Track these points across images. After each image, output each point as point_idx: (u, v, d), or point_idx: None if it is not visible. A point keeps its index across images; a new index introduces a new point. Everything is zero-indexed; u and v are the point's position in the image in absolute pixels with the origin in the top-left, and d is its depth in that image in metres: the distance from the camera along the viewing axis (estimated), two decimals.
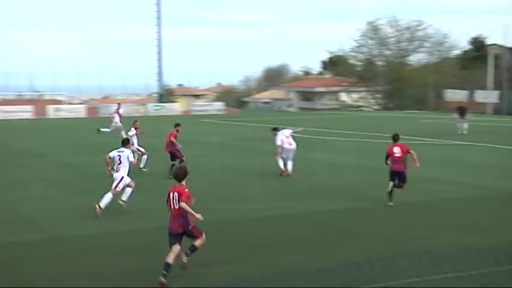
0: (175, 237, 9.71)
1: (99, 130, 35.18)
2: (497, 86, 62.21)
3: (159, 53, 66.97)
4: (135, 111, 60.93)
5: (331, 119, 52.67)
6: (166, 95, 72.08)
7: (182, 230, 9.69)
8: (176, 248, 9.68)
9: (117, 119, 34.81)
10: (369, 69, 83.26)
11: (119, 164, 14.86)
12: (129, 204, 14.86)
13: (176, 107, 65.96)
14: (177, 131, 20.63)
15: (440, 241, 11.82)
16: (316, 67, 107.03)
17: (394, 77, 79.65)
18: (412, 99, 74.62)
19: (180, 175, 9.92)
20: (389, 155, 16.09)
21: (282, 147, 20.47)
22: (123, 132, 31.66)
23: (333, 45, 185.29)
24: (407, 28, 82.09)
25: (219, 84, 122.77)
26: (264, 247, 11.60)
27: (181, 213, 9.63)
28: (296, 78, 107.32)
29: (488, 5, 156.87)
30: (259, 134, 34.56)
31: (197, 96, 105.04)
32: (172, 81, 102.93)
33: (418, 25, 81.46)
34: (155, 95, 71.79)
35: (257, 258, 10.79)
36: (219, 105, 68.89)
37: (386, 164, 16.10)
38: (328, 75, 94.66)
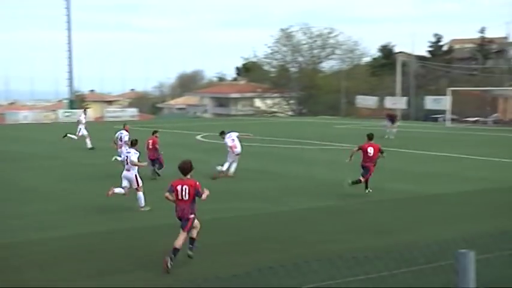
0: (180, 220, 10.62)
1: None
2: (405, 92, 64.53)
3: (70, 57, 65.28)
4: (45, 118, 59.11)
5: (246, 124, 52.90)
6: (77, 101, 70.31)
7: (186, 216, 10.52)
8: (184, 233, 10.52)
9: (82, 124, 33.13)
10: (283, 75, 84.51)
11: (127, 164, 15.95)
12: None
13: (88, 113, 64.33)
14: (156, 137, 21.78)
15: (352, 244, 12.07)
16: (230, 73, 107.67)
17: (308, 84, 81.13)
18: (325, 105, 76.24)
19: (186, 169, 10.68)
20: (363, 151, 17.71)
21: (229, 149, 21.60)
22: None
23: (247, 51, 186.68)
24: (319, 35, 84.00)
25: (133, 90, 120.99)
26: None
27: (190, 203, 10.55)
28: (211, 84, 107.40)
29: (396, 14, 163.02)
30: (172, 140, 34.23)
31: (109, 102, 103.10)
32: (83, 86, 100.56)
33: (330, 32, 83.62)
34: (66, 101, 69.88)
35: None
36: (132, 112, 67.89)
37: (357, 151, 18.01)
38: (242, 82, 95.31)
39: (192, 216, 10.64)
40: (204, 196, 10.72)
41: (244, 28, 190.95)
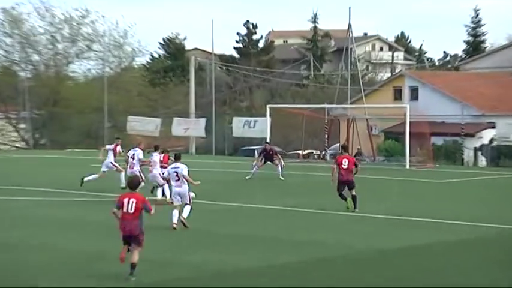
0: (128, 237, 15.56)
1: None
2: (203, 111, 65.58)
3: None
4: None
5: None
6: None
7: (136, 232, 15.55)
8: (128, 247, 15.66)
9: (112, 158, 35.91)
10: (8, 84, 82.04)
11: (177, 180, 22.54)
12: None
13: None
14: (168, 154, 31.41)
15: None
16: None
17: (49, 97, 79.59)
18: (78, 132, 75.22)
19: (135, 183, 16.31)
20: (338, 164, 26.36)
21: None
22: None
23: None
24: (67, 21, 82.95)
25: None
26: None
27: (136, 217, 15.53)
28: None
29: None
30: None
31: None
32: None
33: (84, 16, 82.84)
34: None
35: None
36: None
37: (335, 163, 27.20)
38: None
39: (142, 237, 15.63)
40: (152, 211, 15.75)
41: None
